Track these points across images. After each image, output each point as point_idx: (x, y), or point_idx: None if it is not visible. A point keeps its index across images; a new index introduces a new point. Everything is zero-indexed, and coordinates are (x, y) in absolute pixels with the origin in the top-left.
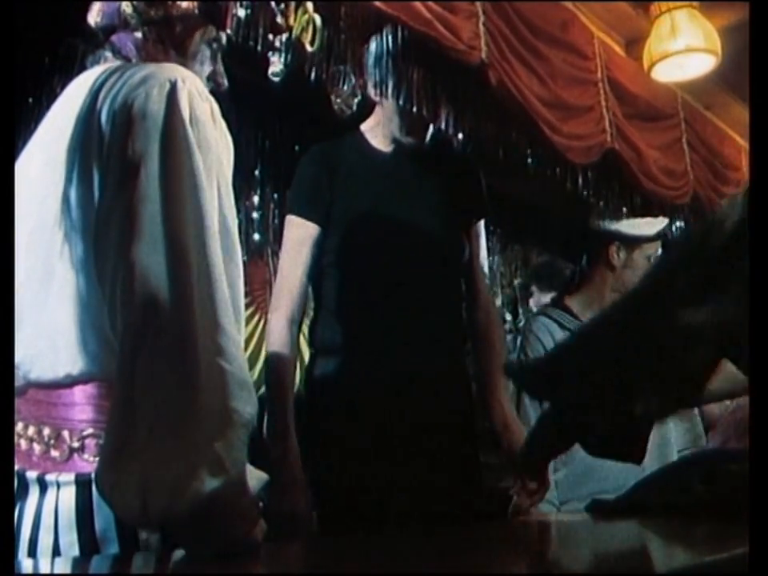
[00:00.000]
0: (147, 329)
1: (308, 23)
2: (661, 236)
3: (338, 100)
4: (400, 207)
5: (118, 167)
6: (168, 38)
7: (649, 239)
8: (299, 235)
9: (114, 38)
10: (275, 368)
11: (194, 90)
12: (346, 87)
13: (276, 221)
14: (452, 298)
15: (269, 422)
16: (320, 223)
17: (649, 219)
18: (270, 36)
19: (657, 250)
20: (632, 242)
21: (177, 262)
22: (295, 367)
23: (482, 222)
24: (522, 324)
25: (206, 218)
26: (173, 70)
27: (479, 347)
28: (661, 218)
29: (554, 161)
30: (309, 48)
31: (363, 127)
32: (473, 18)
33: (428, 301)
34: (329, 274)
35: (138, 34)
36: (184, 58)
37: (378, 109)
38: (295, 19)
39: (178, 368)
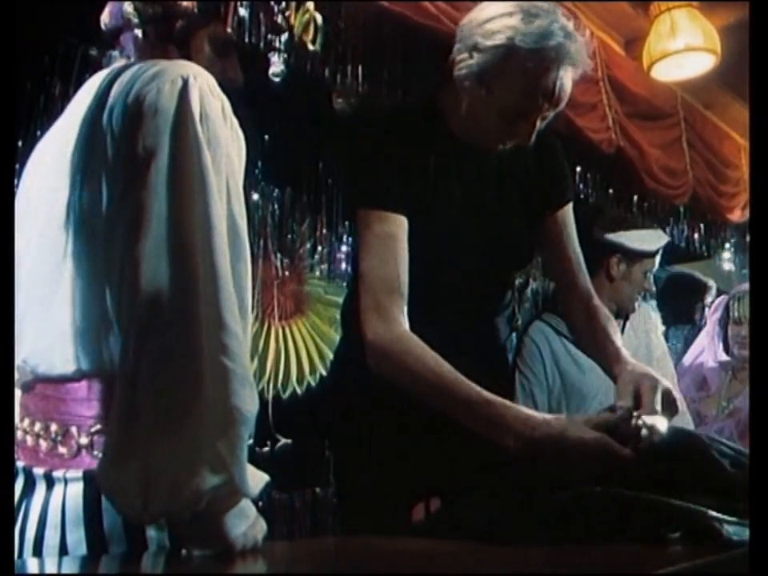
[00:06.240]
0: (151, 326)
1: (309, 22)
2: (659, 251)
3: (339, 99)
4: (476, 196)
5: (128, 163)
6: (168, 36)
7: (650, 254)
8: (390, 231)
9: (121, 38)
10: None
11: (205, 86)
12: (346, 86)
13: (276, 219)
14: (501, 302)
15: None
16: (407, 213)
17: (653, 233)
18: (271, 36)
19: (654, 265)
20: (633, 256)
21: (182, 260)
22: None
23: (566, 208)
24: (518, 322)
25: (213, 217)
26: (185, 67)
27: (584, 340)
28: (662, 233)
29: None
30: (310, 47)
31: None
32: None
33: (478, 307)
34: None
35: (139, 33)
36: (187, 55)
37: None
38: (296, 19)
39: (181, 365)
